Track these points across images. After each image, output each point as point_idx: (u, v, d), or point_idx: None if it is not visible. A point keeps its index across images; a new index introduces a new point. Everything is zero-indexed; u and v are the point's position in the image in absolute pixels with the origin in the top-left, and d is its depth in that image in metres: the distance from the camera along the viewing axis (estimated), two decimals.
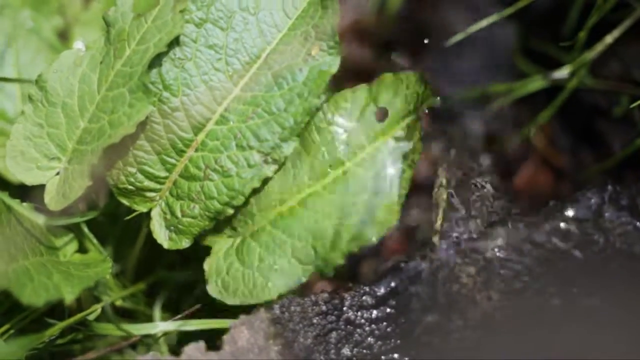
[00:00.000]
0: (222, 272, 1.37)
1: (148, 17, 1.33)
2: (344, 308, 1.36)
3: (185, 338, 1.46)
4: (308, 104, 1.32)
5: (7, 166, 1.37)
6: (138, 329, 1.40)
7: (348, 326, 1.36)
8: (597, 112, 1.68)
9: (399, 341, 1.36)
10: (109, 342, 1.44)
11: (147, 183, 1.36)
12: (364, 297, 1.37)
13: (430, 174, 1.81)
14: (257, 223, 1.37)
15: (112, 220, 1.51)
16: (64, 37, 1.64)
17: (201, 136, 1.35)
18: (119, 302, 1.47)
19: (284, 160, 1.34)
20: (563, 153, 1.75)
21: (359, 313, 1.36)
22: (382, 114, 1.34)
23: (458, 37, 1.64)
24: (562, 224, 1.37)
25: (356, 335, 1.36)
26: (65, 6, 1.67)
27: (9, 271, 1.23)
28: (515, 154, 1.77)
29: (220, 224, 1.37)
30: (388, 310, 1.36)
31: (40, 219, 1.35)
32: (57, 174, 1.36)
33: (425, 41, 1.87)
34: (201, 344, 1.32)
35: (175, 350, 1.45)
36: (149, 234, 1.39)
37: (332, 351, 1.34)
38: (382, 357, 1.35)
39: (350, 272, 1.76)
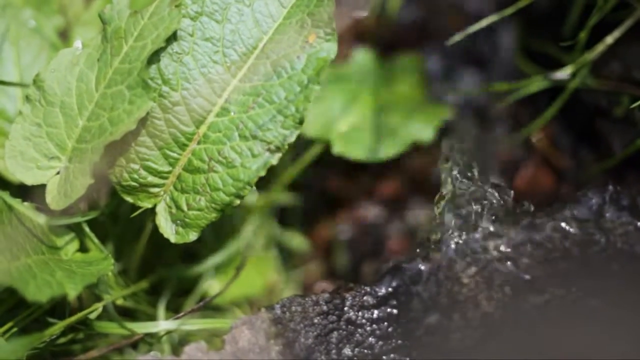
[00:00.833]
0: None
1: (144, 14, 1.33)
2: (345, 308, 1.36)
3: (186, 337, 1.46)
4: (308, 91, 1.32)
5: (7, 166, 1.37)
6: (139, 328, 1.40)
7: (349, 326, 1.36)
8: (598, 112, 1.68)
9: (400, 341, 1.36)
10: (110, 341, 1.44)
11: (151, 179, 1.36)
12: (365, 297, 1.37)
13: (430, 174, 1.81)
14: None
15: (113, 220, 1.51)
16: (65, 36, 1.64)
17: (203, 129, 1.35)
18: (120, 301, 1.47)
19: (287, 148, 1.34)
20: (564, 153, 1.75)
21: (360, 313, 1.36)
22: None
23: (458, 37, 1.64)
24: (562, 224, 1.37)
25: (357, 335, 1.36)
26: (66, 6, 1.67)
27: (11, 269, 1.23)
28: (515, 154, 1.77)
29: None
30: (389, 310, 1.36)
31: (41, 219, 1.35)
32: (58, 173, 1.36)
33: (426, 41, 1.88)
34: (202, 344, 1.32)
35: (177, 349, 1.45)
36: (152, 232, 1.39)
37: (333, 351, 1.34)
38: (383, 357, 1.35)
39: (351, 272, 1.76)
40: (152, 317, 1.50)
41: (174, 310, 1.54)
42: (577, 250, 1.36)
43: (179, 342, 1.49)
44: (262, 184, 1.67)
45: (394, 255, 1.73)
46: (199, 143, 1.36)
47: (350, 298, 1.37)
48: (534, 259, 1.36)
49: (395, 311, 1.36)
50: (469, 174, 1.42)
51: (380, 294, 1.37)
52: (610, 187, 1.38)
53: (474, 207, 1.39)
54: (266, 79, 1.34)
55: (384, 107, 1.73)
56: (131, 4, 1.35)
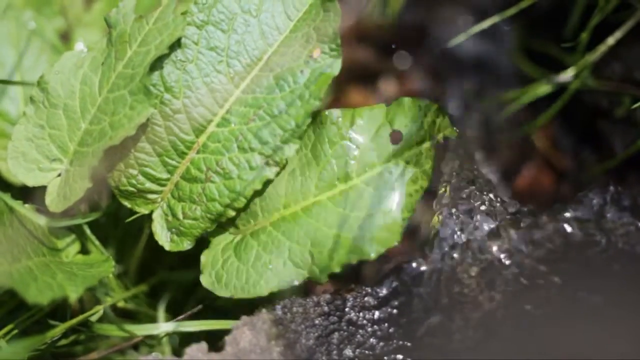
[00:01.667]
0: (217, 265, 1.37)
1: (149, 19, 1.33)
2: (346, 309, 1.36)
3: (187, 339, 1.46)
4: (309, 106, 1.32)
5: (9, 167, 1.37)
6: (140, 330, 1.40)
7: (350, 327, 1.36)
8: (599, 113, 1.68)
9: (401, 342, 1.36)
10: (111, 343, 1.44)
11: (149, 185, 1.36)
12: (366, 298, 1.37)
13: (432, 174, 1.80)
14: (259, 223, 1.38)
15: (113, 222, 1.52)
16: (65, 38, 1.65)
17: (202, 138, 1.35)
18: (121, 304, 1.47)
19: (285, 162, 1.34)
20: (565, 154, 1.75)
21: (361, 314, 1.36)
22: (397, 137, 1.34)
23: (460, 38, 1.64)
24: (564, 225, 1.37)
25: (358, 336, 1.36)
26: (67, 7, 1.67)
27: (12, 271, 1.23)
28: (517, 155, 1.77)
29: (223, 221, 1.38)
30: (390, 311, 1.36)
31: (42, 221, 1.35)
32: (59, 175, 1.36)
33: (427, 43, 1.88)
34: (203, 345, 1.32)
35: (178, 351, 1.45)
36: (151, 235, 1.39)
37: (334, 352, 1.34)
38: (385, 357, 1.35)
39: (352, 273, 1.76)
40: (153, 319, 1.50)
41: (174, 312, 1.54)
42: (578, 250, 1.36)
43: (180, 344, 1.48)
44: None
45: (395, 256, 1.73)
46: (198, 152, 1.36)
47: (351, 299, 1.37)
48: (535, 259, 1.36)
49: (396, 312, 1.36)
50: (470, 175, 1.42)
51: (381, 294, 1.37)
52: (611, 188, 1.38)
53: (475, 207, 1.39)
54: (268, 91, 1.34)
55: None
56: (136, 8, 1.35)
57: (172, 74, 1.34)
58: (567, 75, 1.62)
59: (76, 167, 1.32)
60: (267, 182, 1.35)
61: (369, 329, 1.36)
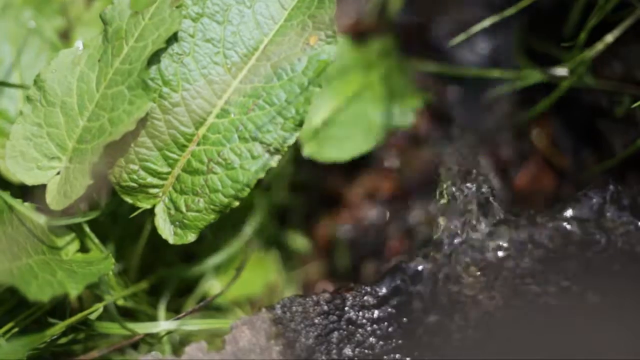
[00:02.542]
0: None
1: (145, 14, 1.33)
2: (346, 308, 1.36)
3: (187, 338, 1.46)
4: (308, 93, 1.32)
5: (8, 166, 1.37)
6: (140, 328, 1.40)
7: (350, 326, 1.36)
8: (599, 112, 1.68)
9: (400, 341, 1.36)
10: (111, 341, 1.44)
11: (150, 179, 1.36)
12: (365, 297, 1.37)
13: (431, 173, 1.81)
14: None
15: (113, 220, 1.52)
16: (65, 37, 1.64)
17: (202, 130, 1.35)
18: (120, 302, 1.47)
19: (287, 150, 1.34)
20: (564, 153, 1.75)
21: (361, 313, 1.36)
22: None
23: (459, 37, 1.64)
24: (563, 224, 1.37)
25: (358, 335, 1.36)
26: (67, 6, 1.67)
27: (12, 269, 1.23)
28: (516, 154, 1.77)
29: None
30: (390, 310, 1.36)
31: (41, 219, 1.35)
32: (58, 173, 1.36)
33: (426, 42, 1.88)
34: (203, 344, 1.32)
35: (177, 349, 1.45)
36: (152, 232, 1.39)
37: (334, 351, 1.34)
38: (384, 357, 1.35)
39: (352, 272, 1.76)
40: (153, 318, 1.50)
41: (174, 310, 1.54)
42: (578, 250, 1.36)
43: (180, 342, 1.49)
44: (263, 184, 1.67)
45: (395, 255, 1.73)
46: (198, 144, 1.36)
47: (350, 298, 1.37)
48: (535, 258, 1.36)
49: (395, 311, 1.36)
50: (470, 174, 1.42)
51: (380, 294, 1.37)
52: (611, 187, 1.38)
53: (475, 206, 1.39)
54: (266, 80, 1.34)
55: (359, 96, 1.71)
56: (132, 4, 1.35)
57: (170, 68, 1.34)
58: (563, 69, 1.62)
59: (76, 165, 1.32)
60: (270, 170, 1.35)
61: (369, 328, 1.36)
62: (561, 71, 1.62)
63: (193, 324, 1.42)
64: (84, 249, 1.42)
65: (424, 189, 1.81)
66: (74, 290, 1.25)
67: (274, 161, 1.34)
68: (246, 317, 1.34)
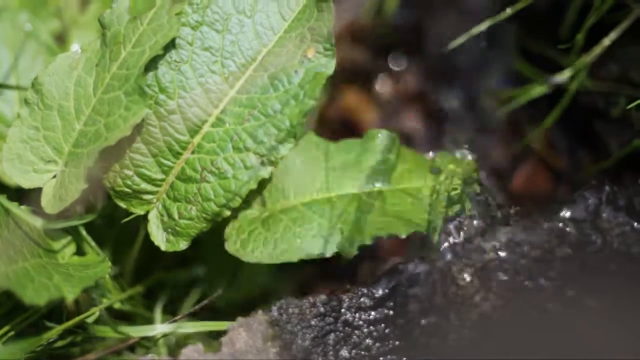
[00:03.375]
0: (243, 234, 1.40)
1: (144, 20, 1.33)
2: (342, 310, 1.36)
3: (183, 340, 1.46)
4: (304, 105, 1.33)
5: (4, 169, 1.37)
6: (136, 331, 1.40)
7: (346, 328, 1.36)
8: (595, 113, 1.68)
9: (397, 342, 1.36)
10: (108, 344, 1.44)
11: (144, 185, 1.36)
12: (362, 299, 1.37)
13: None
14: (290, 203, 1.39)
15: (109, 223, 1.52)
16: (61, 40, 1.64)
17: (197, 138, 1.35)
18: (117, 305, 1.47)
19: (280, 162, 1.34)
20: (561, 154, 1.75)
21: (357, 315, 1.36)
22: None
23: (457, 40, 1.64)
24: (559, 225, 1.37)
25: (354, 336, 1.36)
26: (63, 9, 1.67)
27: (9, 272, 1.23)
28: (513, 156, 1.77)
29: (250, 199, 1.42)
30: (386, 311, 1.36)
31: (37, 222, 1.35)
32: (54, 177, 1.36)
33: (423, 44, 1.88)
34: (199, 346, 1.32)
35: (174, 352, 1.45)
36: (147, 236, 1.39)
37: (331, 353, 1.34)
38: (381, 358, 1.35)
39: (348, 273, 1.76)
40: (149, 321, 1.50)
41: (171, 313, 1.54)
42: (574, 250, 1.36)
43: (177, 345, 1.48)
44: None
45: (391, 257, 1.73)
46: (193, 152, 1.36)
47: (347, 300, 1.37)
48: (531, 259, 1.36)
49: (392, 312, 1.36)
50: (466, 175, 1.42)
51: (377, 295, 1.37)
52: (607, 188, 1.38)
53: (471, 207, 1.39)
54: (263, 91, 1.34)
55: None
56: (131, 8, 1.35)
57: (167, 75, 1.34)
58: (563, 76, 1.62)
59: (71, 169, 1.32)
60: (263, 182, 1.36)
61: (365, 330, 1.36)
62: (562, 78, 1.62)
63: (189, 327, 1.42)
64: (80, 252, 1.42)
65: None
66: (70, 294, 1.25)
67: (267, 172, 1.34)
68: (243, 319, 1.34)
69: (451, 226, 1.38)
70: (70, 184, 1.31)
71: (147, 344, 1.43)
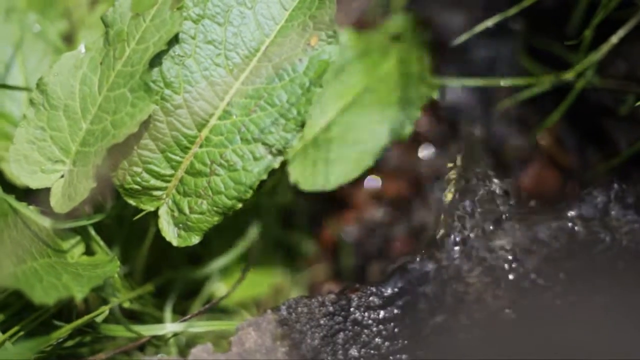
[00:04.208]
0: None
1: (146, 17, 1.33)
2: (351, 309, 1.36)
3: (193, 339, 1.47)
4: (310, 93, 1.33)
5: (12, 170, 1.37)
6: (146, 331, 1.41)
7: (355, 327, 1.36)
8: (603, 111, 1.68)
9: (406, 341, 1.36)
10: (117, 344, 1.45)
11: (153, 182, 1.36)
12: (371, 298, 1.37)
13: (436, 174, 1.81)
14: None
15: (118, 222, 1.52)
16: (69, 40, 1.65)
17: (205, 132, 1.35)
18: (126, 304, 1.47)
19: (289, 151, 1.35)
20: (569, 152, 1.75)
21: (366, 314, 1.36)
22: None
23: (463, 37, 1.64)
24: (568, 223, 1.37)
25: (363, 335, 1.36)
26: (71, 9, 1.68)
27: (18, 272, 1.24)
28: (521, 153, 1.77)
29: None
30: (395, 310, 1.36)
31: (46, 222, 1.36)
32: (62, 176, 1.36)
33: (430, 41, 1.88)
34: (208, 346, 1.32)
35: (184, 351, 1.46)
36: (157, 234, 1.39)
37: (340, 352, 1.34)
38: (390, 357, 1.35)
39: (357, 273, 1.76)
40: (159, 320, 1.50)
41: (180, 312, 1.54)
42: (583, 249, 1.36)
43: (186, 344, 1.49)
44: (269, 186, 1.67)
45: (400, 256, 1.73)
46: (201, 146, 1.36)
47: (356, 299, 1.37)
48: (540, 258, 1.36)
49: (401, 311, 1.36)
50: (475, 174, 1.42)
51: (386, 294, 1.37)
52: (616, 186, 1.38)
53: (480, 206, 1.39)
54: (268, 81, 1.34)
55: (358, 102, 1.68)
56: (134, 6, 1.36)
57: (172, 70, 1.34)
58: (571, 74, 1.62)
59: (79, 168, 1.33)
60: (273, 172, 1.36)
61: (374, 329, 1.36)
62: (569, 76, 1.62)
63: (199, 326, 1.42)
64: (89, 251, 1.42)
65: (428, 189, 1.80)
66: (79, 294, 1.25)
67: (277, 162, 1.34)
68: (252, 319, 1.34)
69: (460, 224, 1.38)
70: (79, 183, 1.31)
71: (157, 343, 1.43)
